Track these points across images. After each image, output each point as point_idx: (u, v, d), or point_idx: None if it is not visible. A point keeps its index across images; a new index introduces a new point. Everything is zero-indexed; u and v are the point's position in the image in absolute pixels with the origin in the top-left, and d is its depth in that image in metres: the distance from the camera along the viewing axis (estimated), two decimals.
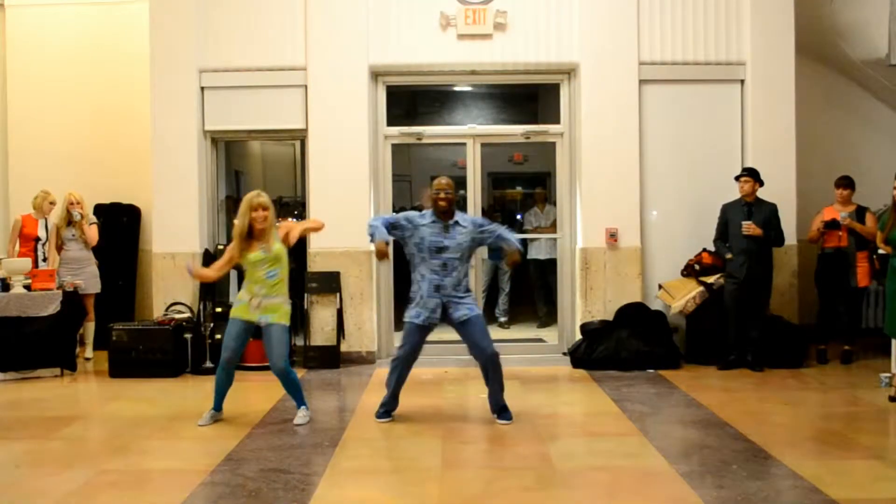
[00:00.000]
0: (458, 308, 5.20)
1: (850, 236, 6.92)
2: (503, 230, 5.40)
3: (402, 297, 8.08)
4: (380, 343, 7.62)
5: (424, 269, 5.21)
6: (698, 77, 7.53)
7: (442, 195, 5.19)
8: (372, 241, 5.24)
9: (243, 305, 5.21)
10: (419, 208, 9.05)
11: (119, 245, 8.34)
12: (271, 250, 5.16)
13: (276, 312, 5.21)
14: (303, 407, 5.37)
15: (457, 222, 5.25)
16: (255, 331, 5.28)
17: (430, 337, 8.39)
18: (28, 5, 8.69)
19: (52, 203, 7.63)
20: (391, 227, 5.24)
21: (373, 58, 7.44)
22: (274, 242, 5.18)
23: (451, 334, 8.44)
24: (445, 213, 5.22)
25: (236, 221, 5.24)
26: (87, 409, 6.01)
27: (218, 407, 5.39)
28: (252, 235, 5.16)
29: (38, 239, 7.55)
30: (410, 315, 5.28)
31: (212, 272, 5.42)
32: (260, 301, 5.17)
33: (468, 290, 5.32)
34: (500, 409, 5.33)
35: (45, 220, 7.61)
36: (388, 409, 5.44)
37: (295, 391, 5.37)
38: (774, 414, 5.51)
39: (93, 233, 7.51)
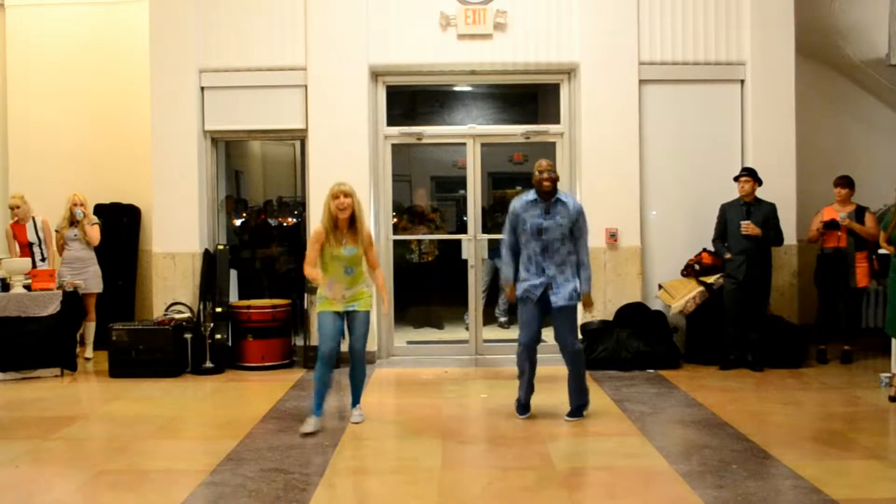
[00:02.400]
0: (555, 293, 5.26)
1: (850, 236, 6.92)
2: (584, 253, 5.38)
3: (402, 297, 8.14)
4: (380, 343, 7.62)
5: (530, 250, 5.31)
6: (698, 77, 7.53)
7: (546, 176, 5.27)
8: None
9: (328, 300, 5.18)
10: (419, 208, 9.04)
11: (119, 245, 8.34)
12: (354, 251, 5.12)
13: (361, 299, 5.24)
14: (357, 405, 5.36)
15: (558, 200, 5.30)
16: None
17: (430, 337, 8.52)
18: (28, 5, 8.69)
19: (12, 206, 7.56)
20: (512, 232, 5.38)
21: (373, 58, 7.44)
22: (358, 244, 5.12)
23: (451, 334, 8.54)
24: (548, 192, 5.28)
25: (323, 215, 5.14)
26: (87, 409, 6.01)
27: (319, 412, 5.19)
28: (336, 226, 5.11)
29: (31, 244, 7.52)
30: (519, 291, 5.36)
31: (316, 270, 5.13)
32: (343, 294, 5.16)
33: (574, 274, 5.32)
34: (575, 408, 5.44)
35: (33, 220, 7.56)
36: (523, 406, 5.47)
37: (360, 386, 5.35)
38: (774, 414, 5.51)
39: (95, 232, 7.52)
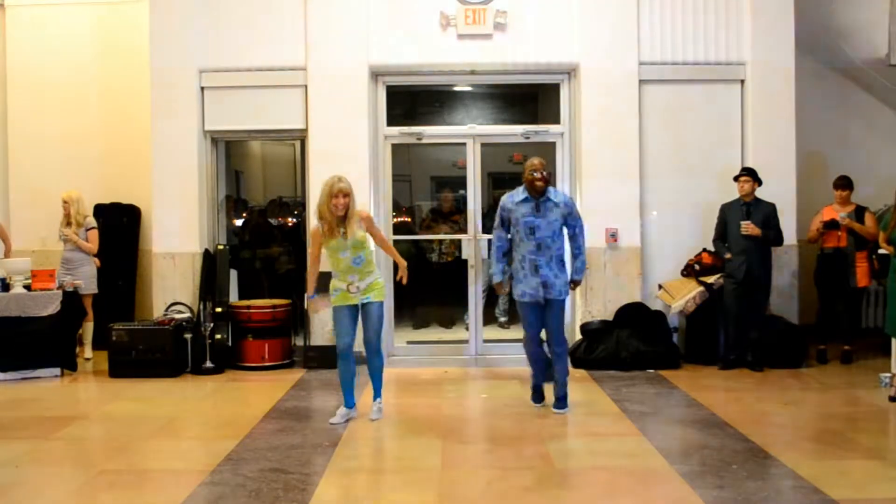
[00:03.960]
0: (550, 289, 5.38)
1: (850, 236, 6.92)
2: (581, 241, 5.54)
3: (402, 297, 8.14)
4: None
5: (524, 249, 5.39)
6: (698, 77, 7.53)
7: (538, 175, 5.31)
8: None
9: (342, 293, 5.22)
10: (445, 208, 8.99)
11: (119, 245, 8.33)
12: (353, 237, 5.13)
13: (374, 290, 5.27)
14: (378, 399, 5.43)
15: (548, 198, 5.36)
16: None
17: (430, 336, 8.52)
18: (28, 5, 8.68)
19: None
20: (503, 225, 5.47)
21: (373, 58, 7.44)
22: (356, 230, 5.14)
23: (450, 334, 8.54)
24: (541, 192, 5.34)
25: (319, 208, 5.15)
26: (87, 409, 6.01)
27: (350, 403, 5.37)
28: (334, 220, 5.15)
29: None
30: (517, 294, 5.47)
31: (314, 272, 5.34)
32: (357, 286, 5.20)
33: (563, 268, 5.45)
34: (556, 399, 5.56)
35: None
36: (540, 394, 5.62)
37: (378, 378, 5.42)
38: (774, 414, 5.51)
39: (91, 241, 7.47)
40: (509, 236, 5.54)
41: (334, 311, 5.29)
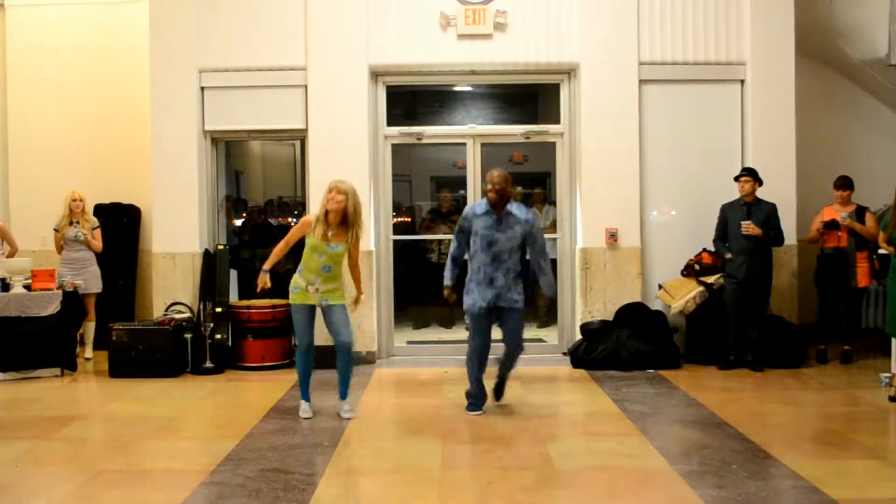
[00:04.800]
0: (505, 300, 5.35)
1: (850, 236, 6.92)
2: (544, 259, 5.47)
3: (402, 297, 8.14)
4: (380, 343, 7.62)
5: (479, 260, 5.35)
6: (698, 77, 7.53)
7: (489, 187, 5.29)
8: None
9: (301, 292, 5.28)
10: (444, 208, 9.00)
11: (119, 245, 8.32)
12: (337, 248, 5.21)
13: (335, 294, 5.33)
14: (346, 400, 5.49)
15: (510, 213, 5.31)
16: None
17: (430, 336, 8.52)
18: (28, 5, 8.68)
19: None
20: (462, 234, 5.41)
21: (373, 58, 7.44)
22: (342, 242, 5.21)
23: (450, 334, 8.54)
24: (497, 205, 5.29)
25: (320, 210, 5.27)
26: (87, 409, 6.01)
27: (307, 396, 5.49)
28: (326, 220, 5.19)
29: None
30: (468, 304, 5.41)
31: (281, 252, 5.43)
32: (317, 288, 5.26)
33: (518, 281, 5.40)
34: (497, 391, 5.71)
35: None
36: (477, 402, 5.57)
37: (347, 379, 5.46)
38: (774, 414, 5.51)
39: (96, 240, 7.50)
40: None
41: (293, 311, 5.37)
